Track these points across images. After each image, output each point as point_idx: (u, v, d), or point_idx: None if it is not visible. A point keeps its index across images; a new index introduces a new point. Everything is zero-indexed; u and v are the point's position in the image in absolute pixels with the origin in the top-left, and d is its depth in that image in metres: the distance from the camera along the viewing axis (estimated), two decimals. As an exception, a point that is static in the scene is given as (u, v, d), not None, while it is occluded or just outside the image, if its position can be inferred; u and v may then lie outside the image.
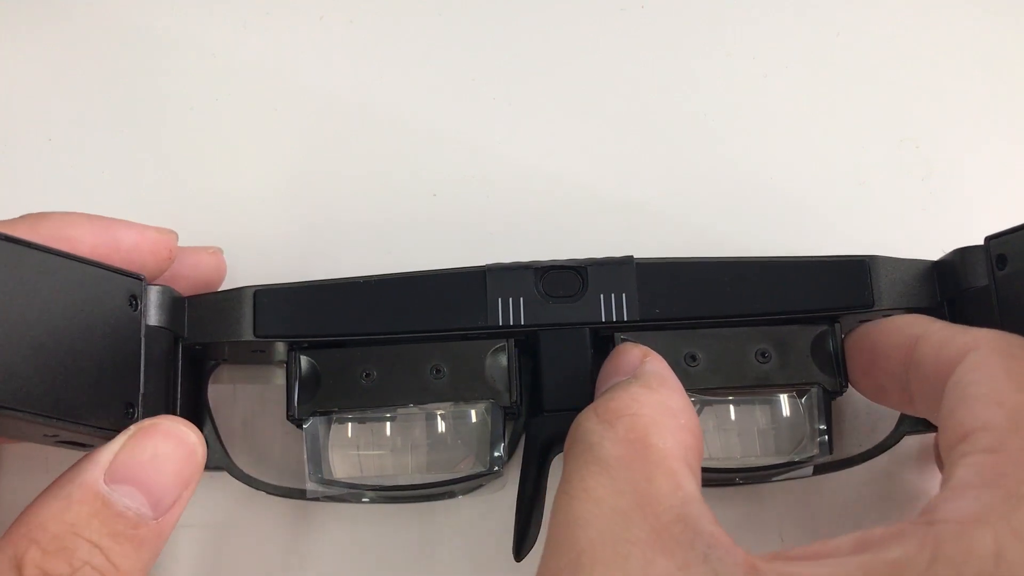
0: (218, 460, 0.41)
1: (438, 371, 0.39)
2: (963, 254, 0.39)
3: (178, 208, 0.47)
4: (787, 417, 0.40)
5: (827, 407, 0.39)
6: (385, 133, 0.48)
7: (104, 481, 0.33)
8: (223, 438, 0.41)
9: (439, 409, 0.40)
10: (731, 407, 0.40)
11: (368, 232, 0.47)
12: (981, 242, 0.38)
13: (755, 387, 0.39)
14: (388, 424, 0.40)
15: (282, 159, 0.48)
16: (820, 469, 0.40)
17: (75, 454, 0.35)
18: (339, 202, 0.47)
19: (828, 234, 0.46)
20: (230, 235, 0.46)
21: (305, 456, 0.39)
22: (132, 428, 0.34)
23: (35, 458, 0.43)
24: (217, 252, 0.43)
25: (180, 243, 0.40)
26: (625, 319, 0.39)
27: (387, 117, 0.48)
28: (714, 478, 0.41)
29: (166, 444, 0.34)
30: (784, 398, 0.40)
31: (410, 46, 0.50)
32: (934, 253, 0.40)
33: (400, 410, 0.40)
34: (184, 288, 0.40)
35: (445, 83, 0.49)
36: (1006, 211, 0.40)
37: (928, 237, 0.42)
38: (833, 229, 0.47)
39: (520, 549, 0.37)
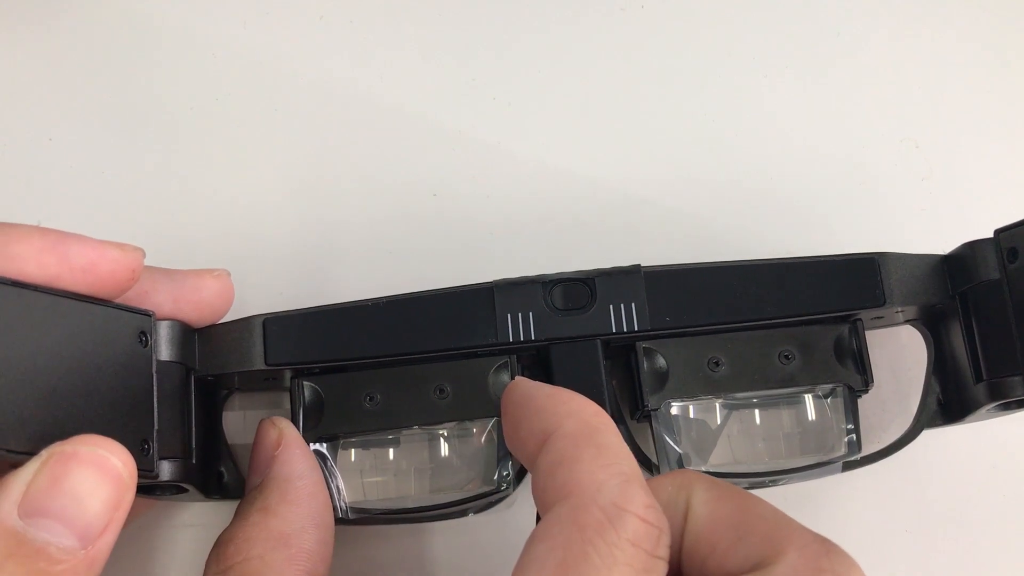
0: (236, 491, 0.41)
1: (442, 391, 0.39)
2: (973, 247, 0.39)
3: (177, 207, 0.47)
4: (814, 418, 0.40)
5: (853, 406, 0.40)
6: (385, 132, 0.48)
7: (18, 515, 0.29)
8: (239, 466, 0.41)
9: (443, 429, 0.40)
10: (758, 411, 0.40)
11: (368, 231, 0.47)
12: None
13: (780, 388, 0.39)
14: (393, 446, 0.40)
15: (282, 158, 0.48)
16: (846, 466, 0.41)
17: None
18: (339, 201, 0.47)
19: (828, 234, 0.47)
20: (229, 232, 0.47)
21: None
22: (44, 453, 0.30)
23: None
24: (222, 275, 0.40)
25: (184, 251, 0.40)
26: (636, 329, 0.38)
27: (387, 116, 0.48)
28: (745, 482, 0.41)
29: (84, 469, 0.30)
30: (810, 399, 0.40)
31: (410, 46, 0.49)
32: (935, 252, 0.40)
33: (405, 432, 0.40)
34: (189, 312, 0.39)
35: (445, 83, 0.49)
36: (1006, 211, 0.40)
37: (928, 237, 0.42)
38: (833, 229, 0.47)
39: None
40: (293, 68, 0.49)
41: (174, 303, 0.39)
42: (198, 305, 0.39)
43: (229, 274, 0.40)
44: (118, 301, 0.36)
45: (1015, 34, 0.49)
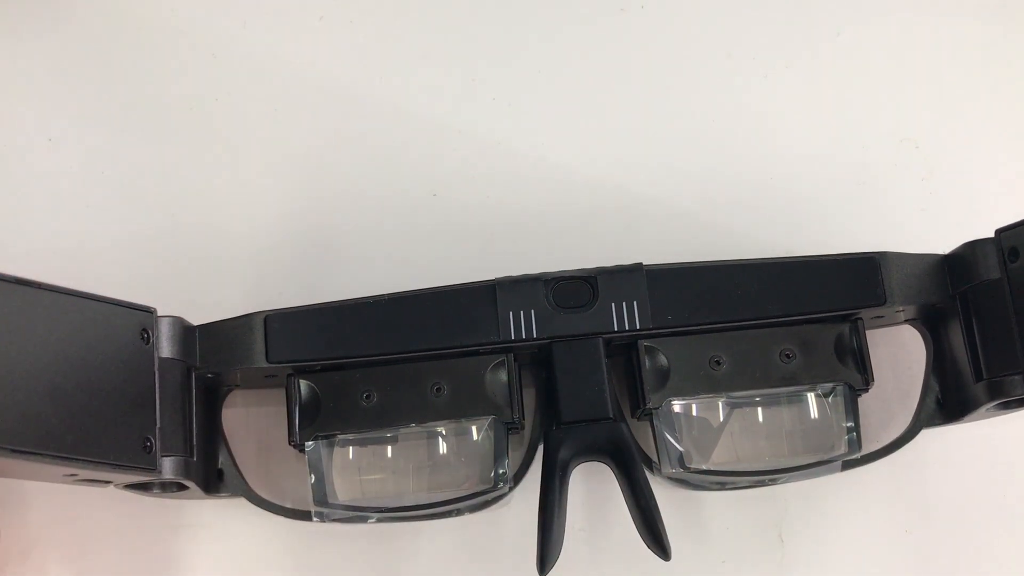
0: (235, 488, 0.41)
1: (438, 389, 0.39)
2: (973, 247, 0.39)
3: (177, 207, 0.47)
4: (815, 417, 0.40)
5: (853, 404, 0.40)
6: (385, 133, 0.48)
7: None
8: (238, 463, 0.41)
9: (440, 427, 0.40)
10: (759, 409, 0.40)
11: (368, 231, 0.47)
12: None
13: (781, 387, 0.40)
14: (390, 444, 0.40)
15: (282, 159, 0.48)
16: (846, 465, 0.41)
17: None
18: (339, 201, 0.47)
19: (828, 234, 0.47)
20: (229, 231, 0.47)
21: (309, 480, 0.39)
22: None
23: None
24: None
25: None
26: (637, 327, 0.39)
27: (387, 117, 0.48)
28: (746, 480, 0.41)
29: None
30: (811, 398, 0.40)
31: (410, 46, 0.49)
32: (935, 252, 0.40)
33: (402, 430, 0.40)
34: None
35: (445, 83, 0.49)
36: (1006, 211, 0.40)
37: (928, 237, 0.42)
38: (833, 229, 0.47)
39: (544, 562, 0.37)
40: (293, 68, 0.49)
41: None
42: None
43: None
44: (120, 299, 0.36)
45: (1015, 34, 0.49)
